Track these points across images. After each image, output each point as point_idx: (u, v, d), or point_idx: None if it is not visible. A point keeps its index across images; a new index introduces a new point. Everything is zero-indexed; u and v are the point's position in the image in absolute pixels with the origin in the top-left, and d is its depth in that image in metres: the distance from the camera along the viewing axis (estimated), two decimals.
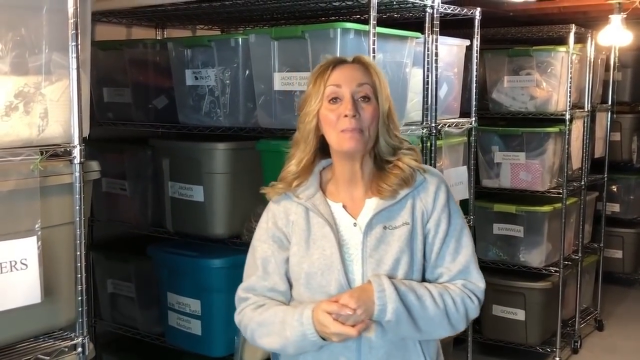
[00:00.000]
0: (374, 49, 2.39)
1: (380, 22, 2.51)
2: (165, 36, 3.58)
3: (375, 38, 2.40)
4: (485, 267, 4.14)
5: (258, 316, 1.68)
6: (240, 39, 2.64)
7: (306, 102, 1.70)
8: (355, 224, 1.69)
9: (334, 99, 1.66)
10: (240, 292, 1.76)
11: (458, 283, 1.69)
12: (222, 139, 2.78)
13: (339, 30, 2.36)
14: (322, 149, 1.74)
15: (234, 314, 1.75)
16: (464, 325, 1.69)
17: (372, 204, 1.70)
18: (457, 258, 1.70)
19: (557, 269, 4.09)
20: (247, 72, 2.67)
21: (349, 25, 2.37)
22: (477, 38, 3.19)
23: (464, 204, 3.36)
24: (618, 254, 5.53)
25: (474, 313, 1.70)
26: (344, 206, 1.71)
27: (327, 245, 1.66)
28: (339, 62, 1.70)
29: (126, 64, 3.03)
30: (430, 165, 2.88)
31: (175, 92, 2.88)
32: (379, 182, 1.70)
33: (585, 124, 4.34)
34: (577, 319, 4.44)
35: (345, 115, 1.63)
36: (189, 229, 2.84)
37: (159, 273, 2.91)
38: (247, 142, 2.71)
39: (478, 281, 1.71)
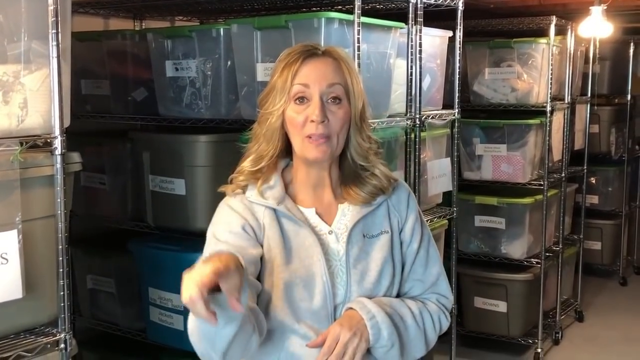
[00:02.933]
0: (358, 39, 2.35)
1: (363, 13, 2.49)
2: (144, 28, 3.52)
3: (360, 28, 2.38)
4: (467, 259, 4.17)
5: None
6: (222, 29, 2.59)
7: (269, 97, 1.55)
8: (330, 232, 1.58)
9: (301, 99, 1.52)
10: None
11: (432, 298, 1.64)
12: (204, 131, 2.73)
13: (323, 19, 2.32)
14: (285, 148, 1.60)
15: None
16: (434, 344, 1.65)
17: (347, 210, 1.60)
18: (429, 269, 1.64)
19: (539, 261, 4.11)
20: (229, 63, 2.63)
21: (333, 14, 2.34)
22: (459, 29, 3.17)
23: (447, 195, 3.35)
24: (597, 245, 5.58)
25: (445, 329, 1.66)
26: (317, 212, 1.59)
27: (306, 254, 1.53)
28: (309, 55, 1.55)
29: (104, 55, 2.96)
30: (415, 157, 2.86)
31: (155, 83, 2.83)
32: (352, 188, 1.60)
33: (566, 116, 4.36)
34: (557, 310, 4.47)
35: (313, 120, 1.50)
36: (170, 223, 2.79)
37: (140, 268, 2.86)
38: (229, 134, 2.66)
39: (448, 294, 1.67)
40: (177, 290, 2.70)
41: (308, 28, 2.35)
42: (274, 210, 1.57)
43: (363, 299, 1.53)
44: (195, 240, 2.76)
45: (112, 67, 2.96)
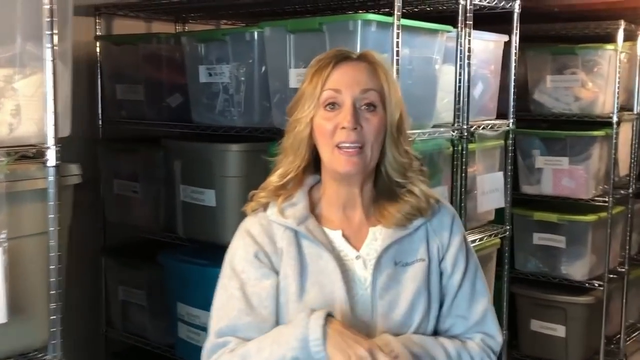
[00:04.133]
0: (397, 42, 2.17)
1: (413, 17, 2.30)
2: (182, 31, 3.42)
3: (400, 31, 2.19)
4: (524, 279, 3.90)
5: (239, 350, 1.36)
6: (255, 33, 2.45)
7: (298, 105, 1.42)
8: (358, 257, 1.41)
9: (332, 105, 1.38)
10: (213, 339, 1.41)
11: (476, 338, 1.44)
12: (237, 139, 2.59)
13: (359, 22, 2.14)
14: (315, 163, 1.46)
15: None
16: None
17: (378, 234, 1.43)
18: (474, 306, 1.45)
19: (601, 283, 3.80)
20: (263, 68, 2.48)
21: (370, 16, 2.16)
22: (515, 33, 2.94)
23: (499, 212, 3.12)
24: None
25: None
26: (343, 235, 1.43)
27: (326, 281, 1.38)
28: (341, 59, 1.41)
29: (140, 59, 2.87)
30: (462, 171, 2.65)
31: (189, 89, 2.71)
32: (387, 208, 1.43)
33: (635, 128, 4.04)
34: (622, 335, 4.15)
35: (344, 127, 1.35)
36: (201, 235, 2.66)
37: (169, 282, 2.75)
38: (261, 144, 2.51)
39: (496, 334, 1.47)
40: (203, 306, 2.60)
41: (344, 31, 2.18)
42: (295, 231, 1.41)
43: (387, 336, 1.35)
44: (225, 255, 2.64)
45: (147, 72, 2.87)
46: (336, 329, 1.30)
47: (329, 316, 1.32)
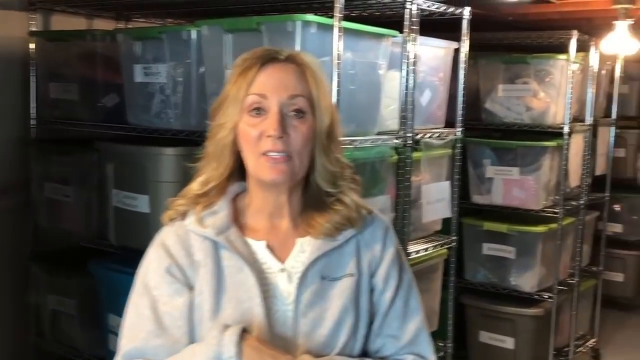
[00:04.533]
0: (339, 45, 2.08)
1: (362, 21, 2.22)
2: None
3: (342, 34, 2.10)
4: (474, 290, 3.85)
5: None
6: (192, 32, 2.34)
7: (221, 109, 1.32)
8: (282, 270, 1.32)
9: (257, 110, 1.28)
10: None
11: (408, 359, 1.35)
12: (173, 143, 2.48)
13: (298, 23, 2.05)
14: (240, 170, 1.36)
15: None
16: None
17: (305, 245, 1.33)
18: (407, 325, 1.35)
19: (551, 295, 3.77)
20: (201, 69, 2.38)
21: (310, 17, 2.07)
22: (463, 40, 2.87)
23: (448, 222, 3.06)
24: (619, 277, 5.20)
25: None
26: (268, 246, 1.34)
27: (245, 297, 1.27)
28: (268, 60, 1.31)
29: (74, 57, 2.74)
30: (406, 180, 2.58)
31: (125, 89, 2.59)
32: (315, 218, 1.33)
33: (586, 139, 4.03)
34: (571, 347, 4.12)
35: (270, 135, 1.26)
36: (133, 242, 2.53)
37: (100, 291, 2.61)
38: (198, 147, 2.40)
39: (429, 356, 1.37)
40: None
41: (282, 32, 2.08)
42: (214, 242, 1.31)
43: (307, 357, 1.26)
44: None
45: (82, 70, 2.73)
46: (252, 345, 1.21)
47: (245, 332, 1.22)
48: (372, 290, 1.36)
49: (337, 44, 2.08)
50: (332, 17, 2.11)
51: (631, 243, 5.19)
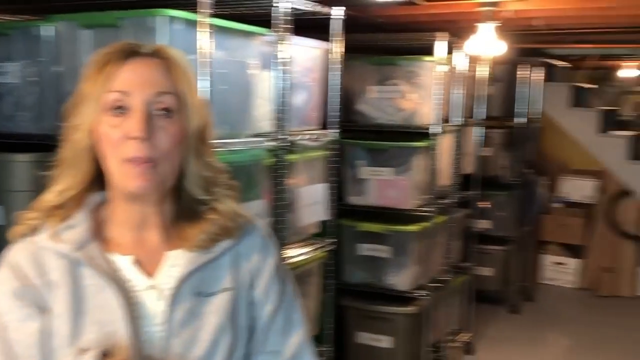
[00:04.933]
0: (208, 43, 1.98)
1: (237, 19, 2.13)
2: None
3: (211, 31, 2.00)
4: (350, 291, 3.84)
5: None
6: (46, 28, 2.16)
7: (76, 109, 1.17)
8: (151, 287, 1.19)
9: (119, 109, 1.14)
10: None
11: None
12: (28, 148, 2.27)
13: (162, 19, 1.93)
14: (100, 177, 1.21)
15: None
16: None
17: (177, 259, 1.21)
18: (289, 339, 1.26)
19: (426, 292, 3.83)
20: (58, 68, 2.20)
21: (174, 13, 1.95)
22: (337, 40, 2.85)
23: (326, 224, 3.02)
24: (489, 271, 5.41)
25: None
26: (134, 261, 1.20)
27: (108, 319, 1.14)
28: (130, 54, 1.16)
29: None
30: (282, 183, 2.51)
31: None
32: (188, 228, 1.22)
33: (456, 139, 4.13)
34: (446, 343, 4.22)
35: (133, 137, 1.12)
36: None
37: None
38: (54, 153, 2.22)
39: None
40: None
41: (144, 28, 1.95)
42: (72, 259, 1.17)
43: None
44: None
45: None
46: None
47: (105, 357, 1.10)
48: (251, 304, 1.26)
49: (208, 41, 1.98)
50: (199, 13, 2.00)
51: (498, 238, 5.40)
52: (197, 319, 1.18)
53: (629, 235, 6.08)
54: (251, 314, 1.25)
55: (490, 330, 5.05)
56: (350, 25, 2.99)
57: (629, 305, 5.91)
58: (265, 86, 2.49)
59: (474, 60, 4.29)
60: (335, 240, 2.99)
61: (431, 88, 3.69)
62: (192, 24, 2.01)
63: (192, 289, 1.19)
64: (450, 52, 3.86)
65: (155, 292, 1.18)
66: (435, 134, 3.71)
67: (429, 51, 3.78)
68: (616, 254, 6.12)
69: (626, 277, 6.10)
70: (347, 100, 3.77)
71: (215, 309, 1.20)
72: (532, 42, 5.13)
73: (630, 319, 5.54)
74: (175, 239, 1.22)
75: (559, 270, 6.38)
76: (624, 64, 6.87)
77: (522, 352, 4.70)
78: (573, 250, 6.32)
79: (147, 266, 1.20)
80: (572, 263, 6.33)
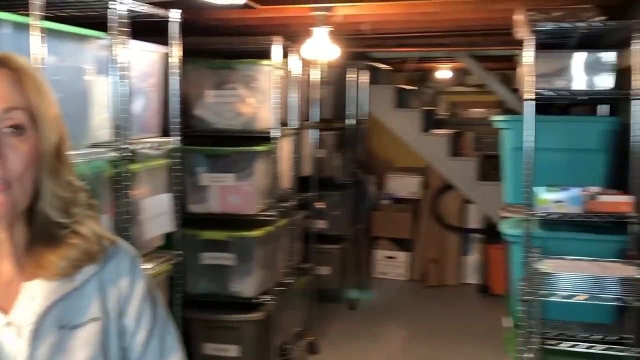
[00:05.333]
0: (37, 48, 1.82)
1: (72, 22, 1.96)
2: None
3: (44, 35, 1.84)
4: (195, 302, 3.73)
5: None
6: None
7: None
8: (8, 324, 1.07)
9: None
10: None
11: None
12: None
13: None
14: None
15: None
16: None
17: (36, 290, 1.08)
18: None
19: (271, 297, 3.82)
20: None
21: (2, 15, 1.77)
22: (174, 44, 2.75)
23: (170, 236, 2.90)
24: (327, 270, 5.52)
25: None
26: None
27: None
28: None
29: None
30: (124, 195, 2.37)
31: None
32: (46, 255, 1.09)
33: (294, 142, 4.16)
34: (292, 345, 4.24)
35: None
36: None
37: None
38: None
39: None
40: None
41: None
42: None
43: None
44: None
45: None
46: None
47: None
48: (122, 334, 1.16)
49: (40, 46, 1.81)
50: (27, 15, 1.83)
51: (334, 237, 5.53)
52: (63, 355, 1.07)
53: (452, 227, 6.47)
54: (123, 344, 1.15)
55: (332, 327, 5.16)
56: (186, 28, 2.90)
57: (455, 293, 6.29)
58: (102, 93, 2.34)
59: (307, 64, 4.35)
60: (181, 252, 2.88)
61: (269, 92, 3.68)
62: (21, 27, 1.83)
63: (56, 322, 1.07)
64: (285, 56, 3.88)
65: (13, 329, 1.06)
66: (275, 138, 3.70)
67: (265, 55, 3.77)
68: (441, 245, 6.49)
69: (451, 267, 6.50)
70: (185, 105, 3.66)
71: (84, 342, 1.09)
72: (359, 46, 5.30)
73: (456, 307, 5.90)
74: (32, 268, 1.10)
75: (390, 264, 6.66)
76: (439, 65, 7.30)
77: (363, 347, 4.84)
78: (402, 244, 6.63)
79: (1, 301, 1.07)
80: (401, 256, 6.63)
